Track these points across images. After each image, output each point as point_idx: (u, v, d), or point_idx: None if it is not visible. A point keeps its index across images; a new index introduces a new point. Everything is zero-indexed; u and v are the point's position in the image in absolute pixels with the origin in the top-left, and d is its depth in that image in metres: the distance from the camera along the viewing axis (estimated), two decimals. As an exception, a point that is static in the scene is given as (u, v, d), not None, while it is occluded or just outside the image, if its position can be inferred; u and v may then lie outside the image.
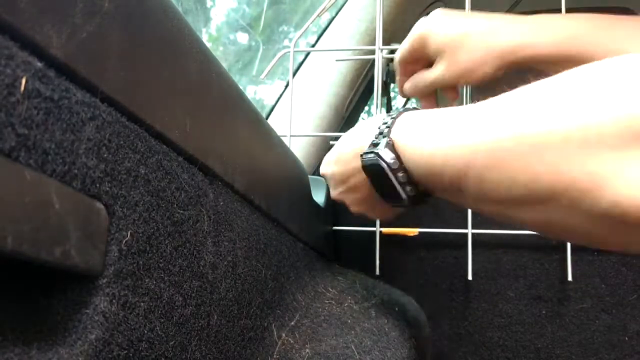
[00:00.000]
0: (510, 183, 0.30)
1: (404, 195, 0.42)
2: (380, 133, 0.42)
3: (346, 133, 0.53)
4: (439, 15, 0.55)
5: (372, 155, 0.42)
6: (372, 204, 0.50)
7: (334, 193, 0.54)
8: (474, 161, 0.32)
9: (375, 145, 0.42)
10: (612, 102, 0.26)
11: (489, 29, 0.52)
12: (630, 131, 0.25)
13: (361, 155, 0.44)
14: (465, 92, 0.69)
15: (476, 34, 0.52)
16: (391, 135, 0.41)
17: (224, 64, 0.36)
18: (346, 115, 1.05)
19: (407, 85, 0.60)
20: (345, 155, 0.50)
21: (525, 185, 0.29)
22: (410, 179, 0.41)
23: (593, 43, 0.48)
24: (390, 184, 0.42)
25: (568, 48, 0.49)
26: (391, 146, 0.40)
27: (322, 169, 0.56)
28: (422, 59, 0.58)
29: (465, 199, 0.36)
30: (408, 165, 0.40)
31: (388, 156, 0.40)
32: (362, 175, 0.46)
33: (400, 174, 0.41)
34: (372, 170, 0.43)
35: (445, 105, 0.42)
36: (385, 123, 0.42)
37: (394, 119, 0.42)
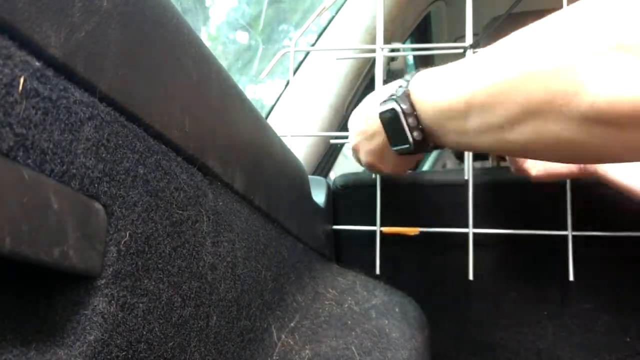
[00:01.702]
0: (507, 105, 0.35)
1: (410, 139, 0.47)
2: (400, 86, 0.47)
3: (368, 97, 0.57)
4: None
5: (389, 101, 0.48)
6: (382, 153, 0.55)
7: (352, 140, 0.60)
8: (475, 96, 0.37)
9: (392, 95, 0.48)
10: (596, 20, 0.30)
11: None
12: (609, 39, 0.29)
13: (380, 104, 0.50)
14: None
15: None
16: (408, 87, 0.46)
17: (224, 63, 0.36)
18: (346, 115, 1.05)
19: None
20: (368, 107, 0.55)
21: (520, 104, 0.34)
22: (419, 124, 0.46)
23: None
24: (400, 127, 0.47)
25: None
26: (407, 96, 0.46)
27: (349, 122, 0.61)
28: None
29: (467, 134, 0.41)
30: (419, 112, 0.45)
31: (403, 102, 0.46)
32: (378, 123, 0.51)
33: (410, 119, 0.46)
34: (387, 115, 0.48)
35: None
36: (406, 79, 0.47)
37: (413, 75, 0.47)
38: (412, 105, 0.46)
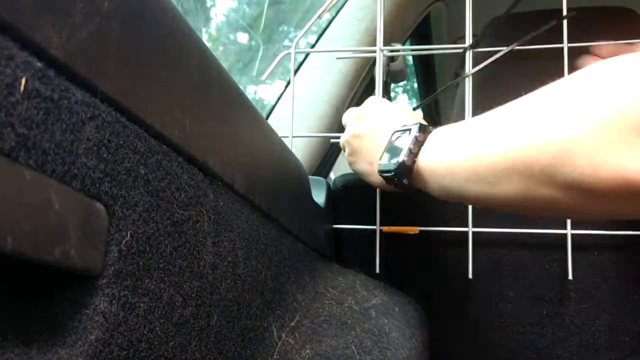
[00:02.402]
0: (501, 167, 0.38)
1: (395, 168, 0.49)
2: (410, 143, 0.48)
3: (381, 105, 0.59)
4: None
5: (392, 164, 0.49)
6: (370, 166, 0.57)
7: (345, 137, 0.61)
8: (480, 163, 0.40)
9: (395, 152, 0.50)
10: (586, 95, 0.32)
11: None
12: (598, 115, 0.31)
13: (385, 151, 0.52)
14: (468, 90, 0.69)
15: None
16: (417, 157, 0.48)
17: (224, 64, 0.36)
18: (346, 116, 1.05)
19: None
20: (373, 126, 0.57)
21: (512, 168, 0.37)
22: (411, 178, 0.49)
23: None
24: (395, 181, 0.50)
25: None
26: (411, 160, 0.48)
27: (346, 117, 0.63)
28: None
29: (455, 182, 0.43)
30: (418, 170, 0.47)
31: (405, 168, 0.48)
32: (378, 147, 0.54)
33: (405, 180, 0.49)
34: (386, 169, 0.51)
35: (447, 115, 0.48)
36: (416, 138, 0.48)
37: (424, 136, 0.48)
38: (412, 163, 0.48)
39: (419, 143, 0.47)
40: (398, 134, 0.51)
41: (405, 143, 0.48)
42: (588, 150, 0.31)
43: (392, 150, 0.51)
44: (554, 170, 0.33)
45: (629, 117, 0.30)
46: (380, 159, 0.53)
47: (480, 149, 0.39)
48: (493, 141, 0.38)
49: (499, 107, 0.40)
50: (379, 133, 0.55)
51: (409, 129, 0.49)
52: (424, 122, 0.50)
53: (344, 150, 0.62)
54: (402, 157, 0.48)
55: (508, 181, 0.37)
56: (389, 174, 0.50)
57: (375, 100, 0.60)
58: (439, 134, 0.47)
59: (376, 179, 0.55)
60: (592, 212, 0.36)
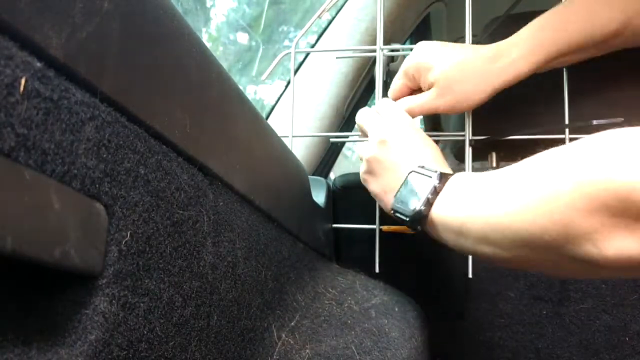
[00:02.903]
0: (513, 237, 0.38)
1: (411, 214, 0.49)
2: (429, 192, 0.48)
3: (409, 135, 0.57)
4: (432, 46, 0.60)
5: (409, 210, 0.50)
6: (384, 194, 0.56)
7: (366, 155, 0.59)
8: (489, 223, 0.41)
9: (411, 194, 0.50)
10: (589, 173, 0.32)
11: (482, 60, 0.57)
12: (601, 198, 0.31)
13: (399, 190, 0.52)
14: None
15: (470, 65, 0.57)
16: (432, 207, 0.48)
17: (224, 64, 0.36)
18: (346, 115, 1.05)
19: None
20: (397, 156, 0.56)
21: (522, 239, 0.37)
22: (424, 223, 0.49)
23: None
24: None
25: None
26: (427, 210, 0.48)
27: (368, 125, 0.60)
28: (415, 88, 0.64)
29: (467, 241, 0.44)
30: (433, 222, 0.48)
31: (420, 217, 0.48)
32: (397, 179, 0.53)
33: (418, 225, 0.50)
34: (401, 212, 0.51)
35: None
36: (435, 188, 0.48)
37: (442, 186, 0.48)
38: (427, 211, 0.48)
39: (436, 193, 0.48)
40: (418, 176, 0.51)
41: (423, 190, 0.49)
42: (590, 233, 0.32)
43: (410, 192, 0.51)
44: (559, 246, 0.34)
45: (622, 203, 0.30)
46: (396, 195, 0.53)
47: (491, 213, 0.40)
48: (503, 208, 0.39)
49: (512, 166, 0.41)
50: (400, 166, 0.54)
51: (430, 176, 0.49)
52: (445, 170, 0.50)
53: (361, 160, 0.61)
54: (419, 205, 0.48)
55: (519, 249, 0.38)
56: (404, 218, 0.50)
57: (404, 125, 0.58)
58: (456, 184, 0.47)
59: (386, 206, 0.56)
60: (605, 276, 0.37)
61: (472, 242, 0.43)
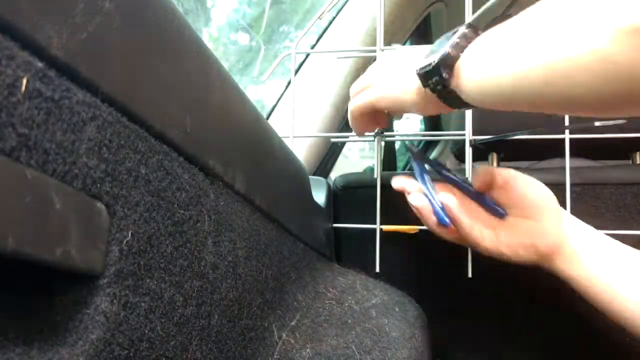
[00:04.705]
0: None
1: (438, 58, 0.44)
2: (457, 36, 0.44)
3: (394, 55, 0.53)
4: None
5: (434, 58, 0.44)
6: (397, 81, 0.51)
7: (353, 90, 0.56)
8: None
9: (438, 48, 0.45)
10: None
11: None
12: None
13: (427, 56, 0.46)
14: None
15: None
16: (462, 50, 0.43)
17: (225, 64, 0.36)
18: (347, 116, 1.05)
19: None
20: (393, 62, 0.52)
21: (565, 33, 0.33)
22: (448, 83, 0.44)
23: None
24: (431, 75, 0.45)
25: None
26: (457, 52, 0.43)
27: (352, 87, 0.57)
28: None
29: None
30: (462, 66, 0.43)
31: (448, 60, 0.43)
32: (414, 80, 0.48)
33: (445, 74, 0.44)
34: (426, 63, 0.45)
35: None
36: (465, 34, 0.44)
37: (474, 34, 0.44)
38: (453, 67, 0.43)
39: (467, 40, 0.43)
40: (437, 42, 0.46)
41: (450, 39, 0.44)
42: None
43: (432, 50, 0.45)
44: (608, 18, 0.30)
45: None
46: (420, 61, 0.46)
47: (535, 43, 0.35)
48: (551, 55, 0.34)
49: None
50: (403, 64, 0.50)
51: (455, 31, 0.44)
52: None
53: (350, 110, 0.57)
54: (447, 48, 0.43)
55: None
56: (429, 68, 0.44)
57: (383, 58, 0.54)
58: (485, 39, 0.42)
59: (410, 95, 0.49)
60: None
61: (532, 88, 0.36)
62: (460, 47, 0.43)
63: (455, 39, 0.43)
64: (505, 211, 0.54)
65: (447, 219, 0.53)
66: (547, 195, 0.54)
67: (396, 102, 0.52)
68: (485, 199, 0.55)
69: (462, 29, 0.44)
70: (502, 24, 0.41)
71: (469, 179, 0.58)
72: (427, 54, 0.46)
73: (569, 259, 0.52)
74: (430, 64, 0.44)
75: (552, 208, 0.53)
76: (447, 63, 0.43)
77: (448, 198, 0.53)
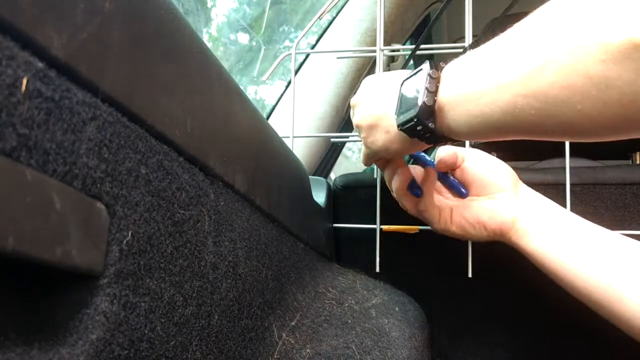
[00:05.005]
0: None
1: (419, 104, 0.44)
2: (425, 82, 0.44)
3: (373, 80, 0.54)
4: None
5: (412, 112, 0.44)
6: (387, 134, 0.52)
7: (356, 126, 0.56)
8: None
9: (410, 101, 0.45)
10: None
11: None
12: None
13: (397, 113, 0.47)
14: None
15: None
16: (437, 96, 0.43)
17: (225, 65, 0.36)
18: (346, 116, 1.05)
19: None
20: (372, 100, 0.53)
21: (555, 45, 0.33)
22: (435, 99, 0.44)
23: None
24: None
25: None
26: (432, 100, 0.43)
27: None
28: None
29: (485, 96, 0.39)
30: (442, 109, 0.43)
31: (426, 110, 0.43)
32: (389, 109, 0.49)
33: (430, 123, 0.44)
34: (408, 119, 0.46)
35: None
36: (430, 75, 0.44)
37: (438, 72, 0.44)
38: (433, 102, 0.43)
39: (434, 80, 0.43)
40: (407, 83, 0.47)
41: (419, 86, 0.44)
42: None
43: (406, 101, 0.46)
44: (601, 33, 0.30)
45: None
46: (396, 115, 0.47)
47: (519, 62, 0.35)
48: (534, 50, 0.34)
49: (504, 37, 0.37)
50: (381, 101, 0.50)
51: (419, 70, 0.45)
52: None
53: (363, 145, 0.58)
54: (420, 99, 0.43)
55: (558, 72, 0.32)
56: (411, 123, 0.45)
57: (368, 79, 0.55)
58: (455, 66, 0.43)
59: (399, 144, 0.51)
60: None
61: (500, 106, 0.37)
62: (432, 94, 0.43)
63: (423, 87, 0.43)
64: (467, 191, 0.57)
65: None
66: (504, 173, 0.56)
67: (388, 151, 0.53)
68: (449, 179, 0.59)
69: (425, 71, 0.44)
70: (480, 49, 0.40)
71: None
72: (398, 107, 0.47)
73: (521, 235, 0.54)
74: (410, 120, 0.45)
75: (507, 186, 0.56)
76: (427, 113, 0.43)
77: (421, 172, 0.59)
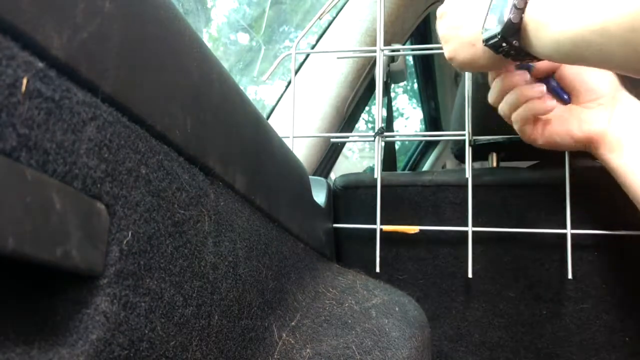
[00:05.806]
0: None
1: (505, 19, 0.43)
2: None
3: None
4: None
5: (497, 28, 0.44)
6: (473, 47, 0.51)
7: (440, 35, 0.56)
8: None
9: (499, 10, 0.45)
10: None
11: None
12: None
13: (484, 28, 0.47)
14: (468, 89, 0.69)
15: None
16: (524, 13, 0.43)
17: (225, 65, 0.36)
18: (347, 116, 1.05)
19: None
20: (461, 8, 0.52)
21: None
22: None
23: None
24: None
25: None
26: (518, 17, 0.43)
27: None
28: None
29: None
30: (527, 29, 0.43)
31: (511, 27, 0.43)
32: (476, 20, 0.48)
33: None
34: (492, 35, 0.45)
35: None
36: None
37: None
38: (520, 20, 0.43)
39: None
40: None
41: (507, 1, 0.43)
42: None
43: (493, 15, 0.45)
44: None
45: None
46: (483, 27, 0.47)
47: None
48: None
49: None
50: (469, 13, 0.49)
51: None
52: None
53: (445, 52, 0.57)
54: (506, 15, 0.43)
55: None
56: (496, 39, 0.44)
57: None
58: None
59: (485, 60, 0.50)
60: None
61: (590, 29, 0.36)
62: (519, 10, 0.42)
63: (511, 3, 0.43)
64: (569, 97, 0.56)
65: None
66: (603, 80, 0.54)
67: (473, 66, 0.53)
68: (551, 82, 0.57)
69: None
70: None
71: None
72: (484, 21, 0.46)
73: (610, 148, 0.52)
74: (495, 36, 0.45)
75: (604, 93, 0.54)
76: (512, 30, 0.43)
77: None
